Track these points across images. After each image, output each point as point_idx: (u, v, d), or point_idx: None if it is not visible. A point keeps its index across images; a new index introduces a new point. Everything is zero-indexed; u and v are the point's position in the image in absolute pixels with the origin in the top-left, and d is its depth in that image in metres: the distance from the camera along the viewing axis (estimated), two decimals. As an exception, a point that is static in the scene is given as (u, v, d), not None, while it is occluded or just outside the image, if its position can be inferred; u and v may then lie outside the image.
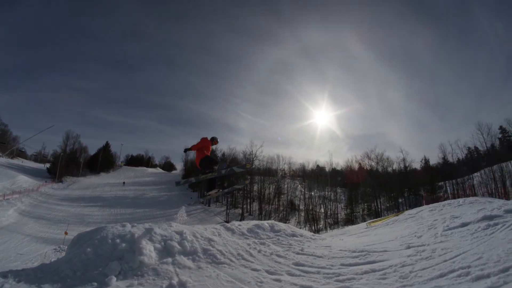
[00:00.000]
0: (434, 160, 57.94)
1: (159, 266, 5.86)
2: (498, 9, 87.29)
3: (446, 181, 51.87)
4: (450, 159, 54.44)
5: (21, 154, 71.89)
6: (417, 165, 58.48)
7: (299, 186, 61.04)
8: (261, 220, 48.72)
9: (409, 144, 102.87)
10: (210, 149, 8.41)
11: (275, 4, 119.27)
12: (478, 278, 4.11)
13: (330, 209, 55.02)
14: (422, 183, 53.27)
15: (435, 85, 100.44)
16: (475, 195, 39.60)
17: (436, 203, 16.36)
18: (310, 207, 54.46)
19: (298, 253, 7.62)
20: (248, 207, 54.45)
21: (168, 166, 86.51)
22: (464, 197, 26.80)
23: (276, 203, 55.67)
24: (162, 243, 6.54)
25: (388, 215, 37.68)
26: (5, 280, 5.04)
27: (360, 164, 62.26)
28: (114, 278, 5.26)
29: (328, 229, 47.65)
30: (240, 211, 52.56)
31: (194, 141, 8.77)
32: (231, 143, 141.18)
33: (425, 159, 58.12)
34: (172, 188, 56.22)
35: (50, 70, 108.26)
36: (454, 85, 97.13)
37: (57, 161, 59.54)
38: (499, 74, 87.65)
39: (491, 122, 53.47)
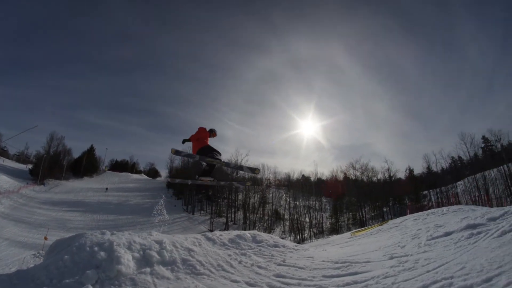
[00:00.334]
0: (419, 169, 58.87)
1: (137, 276, 5.71)
2: (481, 23, 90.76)
3: (430, 190, 52.75)
4: (434, 169, 55.48)
5: (3, 153, 68.79)
6: (401, 174, 59.28)
7: (284, 195, 60.86)
8: (245, 229, 48.57)
9: (394, 154, 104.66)
10: (208, 141, 7.93)
11: (267, 14, 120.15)
12: (462, 289, 4.00)
13: (315, 219, 54.85)
14: (406, 192, 53.81)
15: (420, 97, 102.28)
16: (459, 203, 40.37)
17: (420, 212, 16.37)
18: (295, 216, 54.23)
19: (279, 264, 7.50)
20: (233, 216, 53.83)
21: (153, 172, 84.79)
22: (448, 205, 27.16)
23: (261, 212, 55.12)
24: (141, 252, 6.41)
25: (372, 224, 37.87)
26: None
27: (345, 174, 62.76)
28: (91, 287, 5.10)
29: (313, 238, 47.77)
30: (224, 220, 51.95)
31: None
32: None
33: (410, 169, 58.89)
34: (156, 195, 55.26)
35: (37, 67, 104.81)
36: (438, 96, 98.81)
37: (40, 162, 57.05)
38: (481, 86, 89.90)
39: (474, 132, 55.66)
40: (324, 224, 54.69)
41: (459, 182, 50.33)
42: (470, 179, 48.00)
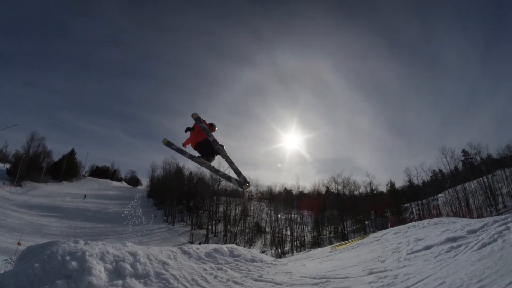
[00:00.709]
0: (400, 183, 60.22)
1: (108, 288, 5.54)
2: (463, 42, 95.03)
3: (412, 203, 54.06)
4: (416, 182, 56.95)
5: (-20, 150, 65.70)
6: (383, 188, 60.42)
7: (266, 208, 60.57)
8: (226, 242, 47.88)
9: (376, 168, 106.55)
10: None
11: (257, 26, 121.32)
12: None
13: (297, 232, 54.74)
14: (388, 205, 54.62)
15: (403, 112, 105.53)
16: (440, 215, 41.56)
17: (401, 226, 16.50)
18: (277, 229, 53.94)
19: (256, 280, 7.37)
20: (214, 228, 53.07)
21: (133, 181, 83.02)
22: (430, 217, 27.57)
23: (242, 225, 54.57)
24: (114, 264, 6.22)
25: (354, 237, 38.09)
26: None
27: (327, 188, 63.16)
28: (60, 298, 4.88)
29: (295, 251, 47.51)
30: (205, 231, 51.08)
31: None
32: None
33: (391, 183, 60.10)
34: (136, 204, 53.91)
35: (21, 63, 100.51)
36: (421, 112, 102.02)
37: (18, 163, 54.56)
38: (462, 102, 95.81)
39: (454, 146, 59.07)
40: (305, 237, 54.62)
41: (440, 195, 51.93)
42: (450, 191, 49.66)
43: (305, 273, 7.79)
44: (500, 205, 43.37)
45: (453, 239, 7.07)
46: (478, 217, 33.69)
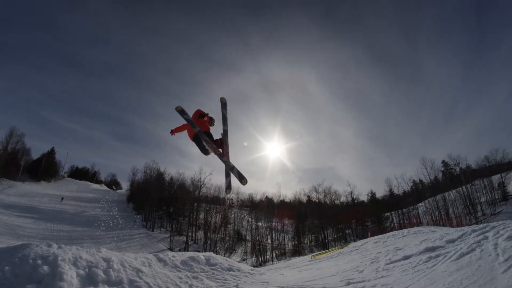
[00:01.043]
0: (381, 192, 61.36)
1: (79, 295, 5.35)
2: (445, 58, 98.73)
3: (392, 212, 54.88)
4: (396, 191, 58.17)
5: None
6: (364, 197, 61.38)
7: (246, 216, 60.19)
8: (206, 249, 47.23)
9: (357, 178, 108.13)
10: (210, 129, 6.85)
11: (245, 34, 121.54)
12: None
13: (277, 240, 54.59)
14: (369, 214, 55.26)
15: (384, 124, 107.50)
16: (420, 223, 42.51)
17: (381, 235, 16.57)
18: (257, 237, 53.60)
19: None
20: (193, 235, 52.10)
21: (113, 184, 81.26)
22: (410, 226, 27.93)
23: (223, 232, 53.94)
24: (87, 270, 6.07)
25: (335, 246, 38.27)
26: None
27: (308, 197, 63.55)
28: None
29: (275, 260, 47.36)
30: (184, 238, 50.09)
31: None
32: (180, 168, 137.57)
33: (372, 192, 61.14)
34: (115, 208, 52.42)
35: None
36: (402, 124, 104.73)
37: None
38: (442, 115, 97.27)
39: (434, 158, 59.06)
40: (286, 246, 54.48)
41: (420, 204, 53.35)
42: (430, 200, 51.05)
43: (283, 283, 7.62)
44: (479, 213, 44.62)
45: (432, 249, 7.06)
46: (457, 225, 34.64)
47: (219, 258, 9.76)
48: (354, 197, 60.25)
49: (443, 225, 36.63)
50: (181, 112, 6.66)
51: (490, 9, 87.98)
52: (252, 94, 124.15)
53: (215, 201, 58.45)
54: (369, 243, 14.35)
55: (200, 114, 6.88)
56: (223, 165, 6.66)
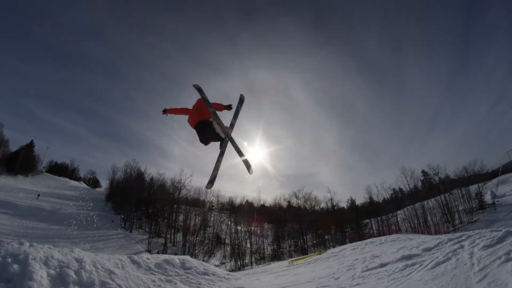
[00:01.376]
0: (361, 200, 62.36)
1: (48, 295, 5.22)
2: (429, 71, 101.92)
3: (372, 219, 55.82)
4: (376, 199, 59.13)
5: None
6: (344, 204, 62.19)
7: (226, 219, 59.87)
8: (184, 252, 46.59)
9: (338, 184, 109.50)
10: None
11: (234, 37, 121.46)
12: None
13: (257, 244, 54.46)
14: (348, 221, 56.10)
15: (367, 132, 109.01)
16: (399, 230, 43.13)
17: (359, 242, 16.66)
18: (236, 241, 53.37)
19: None
20: (172, 237, 51.36)
21: (93, 182, 79.10)
22: (389, 233, 28.31)
23: (202, 235, 53.46)
24: (58, 270, 5.93)
25: (314, 251, 38.47)
26: None
27: (288, 202, 63.90)
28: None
29: (254, 264, 47.28)
30: (163, 240, 49.31)
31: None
32: (161, 168, 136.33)
33: (352, 199, 62.04)
34: (93, 207, 50.91)
35: None
36: (384, 133, 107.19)
37: None
38: (423, 126, 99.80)
39: (414, 167, 60.54)
40: (265, 250, 54.53)
41: (399, 211, 54.63)
42: (409, 208, 52.36)
43: (258, 289, 7.47)
44: (457, 221, 45.73)
45: (408, 257, 7.05)
46: (435, 232, 35.43)
47: (194, 262, 9.60)
48: (334, 204, 60.90)
49: (422, 233, 37.46)
50: (199, 90, 6.27)
51: (475, 19, 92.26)
52: (236, 97, 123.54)
53: (195, 203, 57.86)
54: (347, 250, 14.35)
55: (228, 105, 6.84)
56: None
